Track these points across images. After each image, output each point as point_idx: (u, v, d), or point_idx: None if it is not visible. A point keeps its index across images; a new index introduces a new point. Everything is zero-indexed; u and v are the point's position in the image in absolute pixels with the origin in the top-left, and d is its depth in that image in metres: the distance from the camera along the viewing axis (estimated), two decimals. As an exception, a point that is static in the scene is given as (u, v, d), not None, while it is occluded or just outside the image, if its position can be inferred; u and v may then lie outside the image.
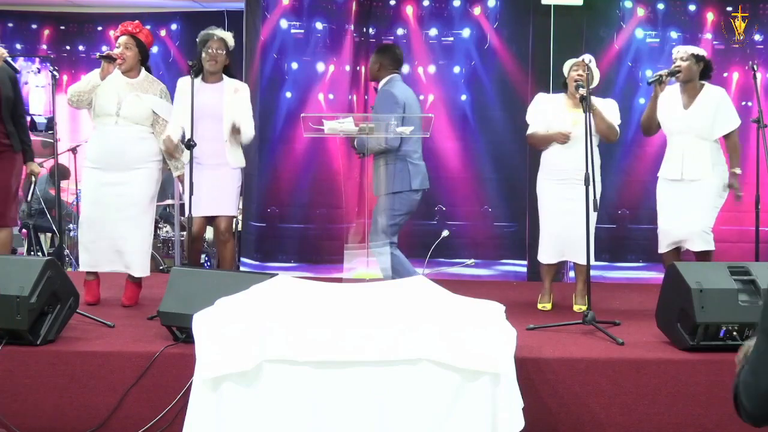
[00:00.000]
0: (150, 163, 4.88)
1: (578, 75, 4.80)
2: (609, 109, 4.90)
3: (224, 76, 5.05)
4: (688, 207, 4.79)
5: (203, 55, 4.92)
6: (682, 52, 4.85)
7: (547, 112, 4.99)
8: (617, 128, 4.91)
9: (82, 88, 4.75)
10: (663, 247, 4.95)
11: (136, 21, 4.98)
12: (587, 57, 4.89)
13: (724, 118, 4.83)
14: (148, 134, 4.88)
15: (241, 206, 7.14)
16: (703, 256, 4.80)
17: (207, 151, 4.81)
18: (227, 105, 4.96)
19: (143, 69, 4.93)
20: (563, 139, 4.89)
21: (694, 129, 4.79)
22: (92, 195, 4.84)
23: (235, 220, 6.68)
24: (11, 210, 4.93)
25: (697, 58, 4.82)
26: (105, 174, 4.80)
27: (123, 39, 4.85)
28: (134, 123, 4.81)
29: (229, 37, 5.03)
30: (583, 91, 4.57)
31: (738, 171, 4.77)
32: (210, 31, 5.00)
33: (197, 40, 5.07)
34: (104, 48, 7.92)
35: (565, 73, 4.99)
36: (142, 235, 4.88)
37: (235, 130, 4.94)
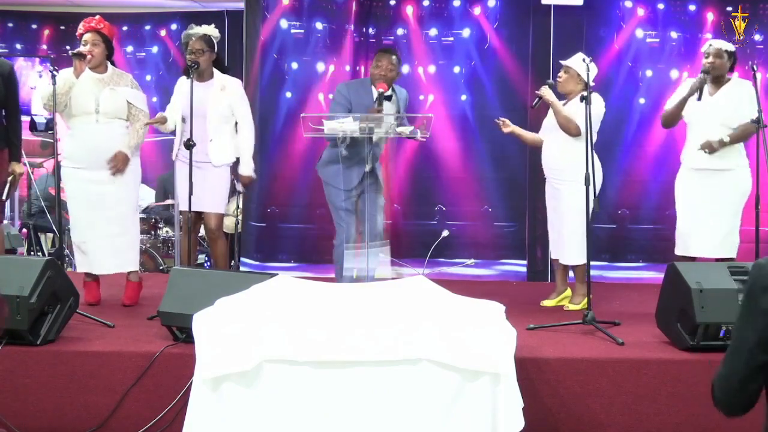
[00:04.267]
0: (133, 160, 4.89)
1: (558, 77, 4.97)
2: (574, 107, 4.86)
3: (215, 72, 5.07)
4: (709, 207, 4.72)
5: (187, 57, 4.94)
6: (714, 47, 4.77)
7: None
8: (576, 123, 4.78)
9: (59, 90, 4.66)
10: (679, 249, 4.88)
11: (98, 16, 4.95)
12: (572, 60, 4.92)
13: (745, 109, 4.71)
14: (127, 129, 4.89)
15: (241, 206, 7.14)
16: (722, 261, 4.74)
17: (195, 148, 4.80)
18: (211, 103, 4.98)
19: (110, 63, 4.93)
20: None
21: (719, 117, 4.72)
22: (79, 195, 4.83)
23: (235, 220, 6.70)
24: None
25: (729, 54, 4.77)
26: (89, 173, 4.79)
27: (88, 36, 4.81)
28: (114, 118, 4.81)
29: (210, 30, 5.01)
30: (542, 91, 4.82)
31: (726, 140, 4.63)
32: (189, 31, 5.01)
33: (181, 41, 5.09)
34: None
35: None
36: (132, 231, 4.93)
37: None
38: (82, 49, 4.76)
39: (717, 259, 4.75)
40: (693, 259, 4.80)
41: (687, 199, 4.85)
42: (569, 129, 4.83)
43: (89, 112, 4.77)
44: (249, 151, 5.14)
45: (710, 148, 4.63)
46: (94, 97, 4.76)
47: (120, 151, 4.78)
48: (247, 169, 5.16)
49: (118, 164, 4.78)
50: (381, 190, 5.11)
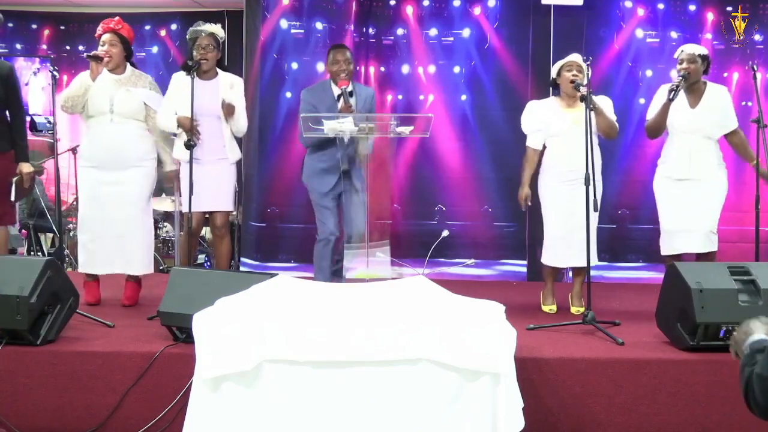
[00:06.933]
0: (146, 161, 4.89)
1: (573, 75, 4.76)
2: (607, 106, 4.87)
3: (218, 70, 5.08)
4: (694, 207, 4.77)
5: (194, 53, 4.94)
6: (687, 53, 4.80)
7: (542, 119, 4.92)
8: (617, 125, 4.89)
9: (75, 93, 4.73)
10: (666, 250, 4.90)
11: (117, 17, 4.97)
12: (578, 56, 4.87)
13: (729, 116, 4.85)
14: (144, 131, 4.90)
15: (241, 207, 7.14)
16: (705, 256, 4.80)
17: (205, 148, 4.83)
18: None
19: (128, 64, 4.94)
20: (523, 203, 4.98)
21: (703, 128, 4.78)
22: (90, 194, 4.84)
23: (235, 219, 6.70)
24: (4, 208, 4.90)
25: (702, 57, 4.80)
26: (102, 173, 4.80)
27: (107, 37, 4.84)
28: (129, 118, 4.82)
29: (218, 30, 5.03)
30: (584, 91, 4.53)
31: (754, 162, 4.74)
32: (198, 27, 5.01)
33: (187, 37, 5.09)
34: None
35: (554, 74, 4.96)
36: (141, 233, 4.89)
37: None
38: (98, 51, 4.78)
39: (698, 257, 4.79)
40: (679, 257, 4.81)
41: (669, 204, 4.89)
42: (612, 134, 4.82)
43: (104, 112, 4.78)
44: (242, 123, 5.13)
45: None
46: (109, 98, 4.78)
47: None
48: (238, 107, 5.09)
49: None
50: (361, 190, 5.05)
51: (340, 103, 4.95)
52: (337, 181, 5.00)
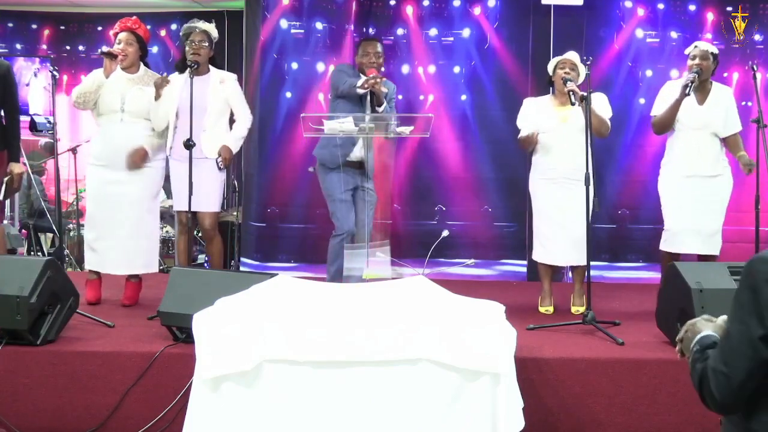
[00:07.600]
0: (154, 162, 4.88)
1: (565, 73, 4.75)
2: (599, 102, 4.83)
3: (210, 67, 5.08)
4: (700, 207, 4.78)
5: (186, 48, 4.94)
6: (700, 49, 4.82)
7: (533, 116, 4.91)
8: (609, 123, 4.83)
9: (88, 89, 4.74)
10: (667, 246, 4.89)
11: (134, 17, 4.98)
12: (573, 55, 4.87)
13: (734, 118, 4.89)
14: (152, 131, 4.89)
15: (241, 207, 7.13)
16: (707, 258, 4.80)
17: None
18: (211, 96, 4.98)
19: (142, 64, 4.95)
20: (530, 139, 4.83)
21: (710, 124, 4.81)
22: (96, 193, 4.83)
23: (235, 219, 6.69)
24: None
25: (714, 56, 4.83)
26: (109, 172, 4.80)
27: (123, 35, 4.85)
28: (139, 118, 4.81)
29: (211, 28, 5.04)
30: (571, 86, 4.54)
31: (744, 153, 4.79)
32: (192, 24, 5.03)
33: (181, 34, 5.10)
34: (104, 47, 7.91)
35: (550, 71, 4.95)
36: (146, 233, 4.88)
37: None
38: (113, 48, 4.78)
39: (700, 257, 4.79)
40: (678, 257, 4.81)
41: (675, 202, 4.88)
42: (603, 132, 4.79)
43: (115, 111, 4.78)
44: (238, 132, 5.09)
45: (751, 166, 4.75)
46: (120, 96, 4.77)
47: (141, 147, 4.77)
48: (232, 142, 5.06)
49: (136, 158, 4.75)
50: (372, 190, 5.05)
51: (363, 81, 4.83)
52: (353, 177, 4.98)
